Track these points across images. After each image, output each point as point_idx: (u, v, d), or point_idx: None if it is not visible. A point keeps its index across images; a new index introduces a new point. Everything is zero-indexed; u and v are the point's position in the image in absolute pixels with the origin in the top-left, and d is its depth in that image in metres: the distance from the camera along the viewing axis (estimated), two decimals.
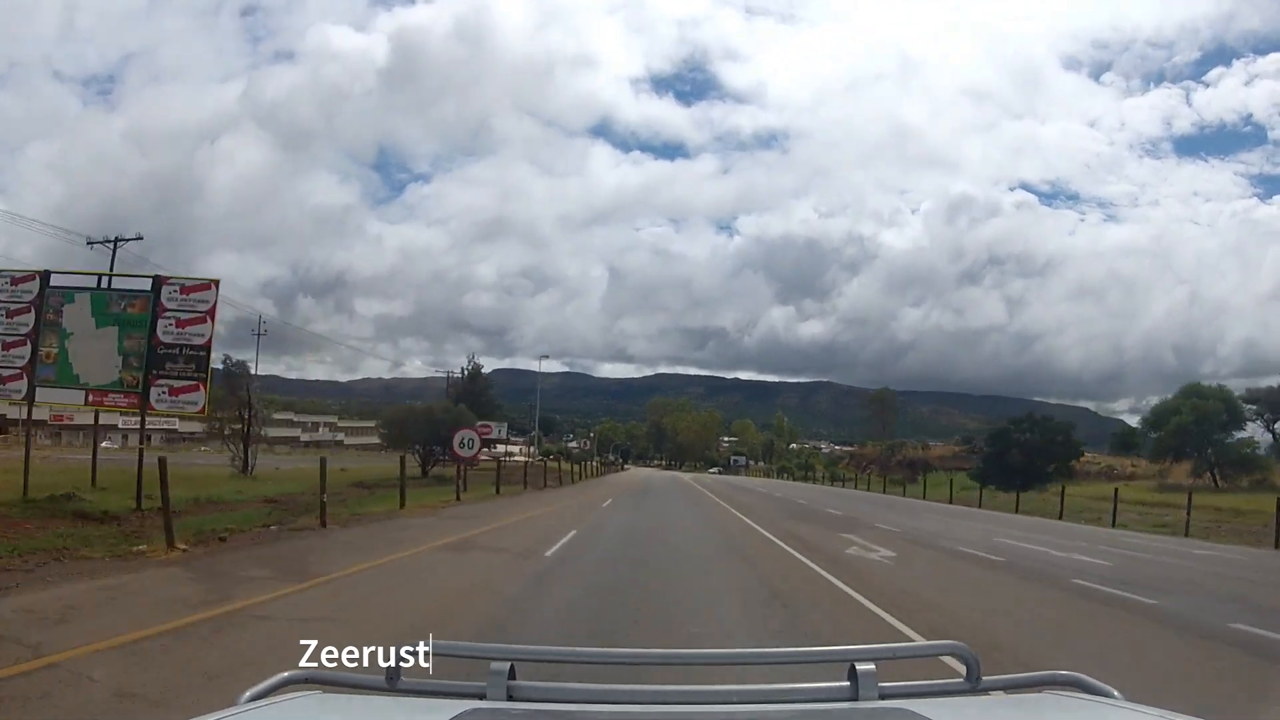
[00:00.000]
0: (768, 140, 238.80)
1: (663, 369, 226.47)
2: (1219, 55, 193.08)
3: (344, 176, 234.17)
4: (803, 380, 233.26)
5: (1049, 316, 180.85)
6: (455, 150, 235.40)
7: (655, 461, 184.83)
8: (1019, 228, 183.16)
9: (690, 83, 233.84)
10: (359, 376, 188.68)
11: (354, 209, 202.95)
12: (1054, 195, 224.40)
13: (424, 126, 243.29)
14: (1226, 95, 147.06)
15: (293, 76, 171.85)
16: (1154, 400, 65.90)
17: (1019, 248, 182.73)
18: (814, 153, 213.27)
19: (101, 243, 34.10)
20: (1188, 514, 23.44)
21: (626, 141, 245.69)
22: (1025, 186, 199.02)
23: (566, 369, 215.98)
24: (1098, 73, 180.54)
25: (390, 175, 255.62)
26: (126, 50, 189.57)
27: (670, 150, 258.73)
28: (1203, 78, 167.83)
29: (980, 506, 35.42)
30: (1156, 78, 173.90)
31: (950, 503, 38.49)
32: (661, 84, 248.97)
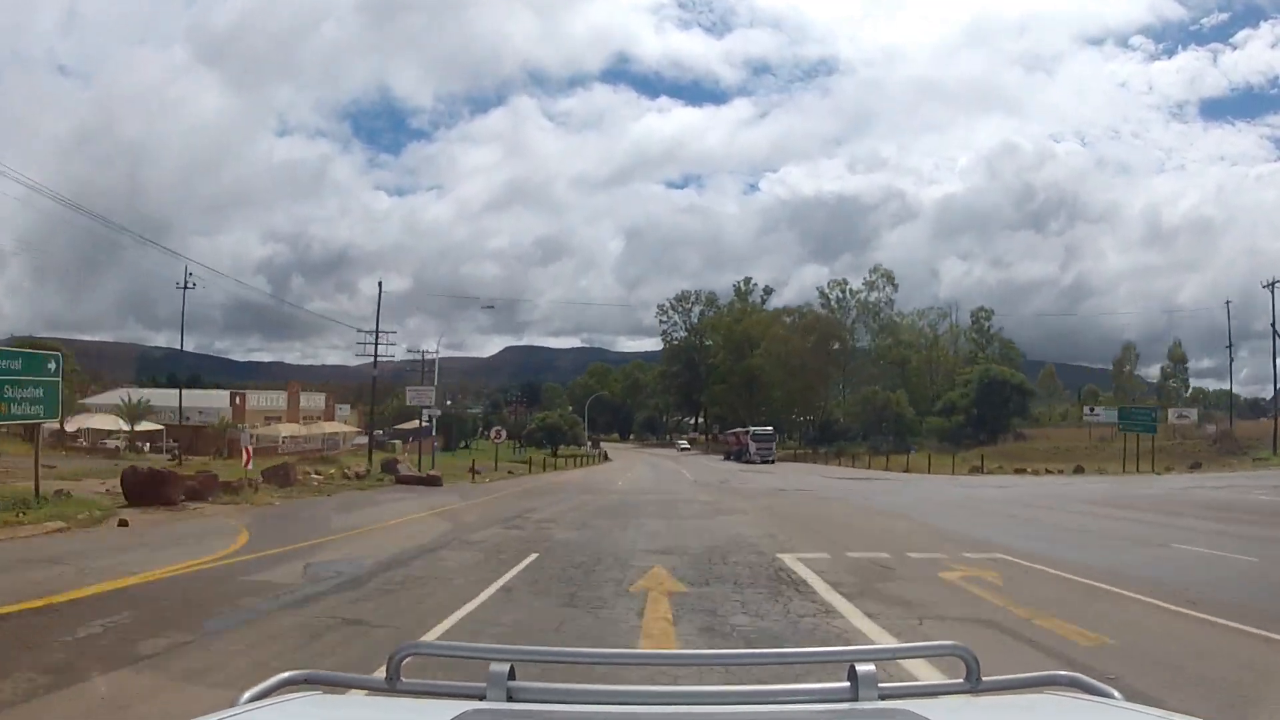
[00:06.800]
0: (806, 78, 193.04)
1: None
2: (1247, 16, 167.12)
3: (334, 140, 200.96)
4: None
5: (1089, 276, 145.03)
6: (459, 103, 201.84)
7: (687, 436, 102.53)
8: (1057, 182, 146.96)
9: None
10: (369, 360, 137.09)
11: (347, 174, 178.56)
12: (1094, 152, 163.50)
13: (422, 75, 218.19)
14: (1254, 57, 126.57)
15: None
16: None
17: (1060, 203, 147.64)
18: (857, 93, 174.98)
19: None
20: None
21: (653, 85, 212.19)
22: (1067, 138, 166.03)
23: (583, 344, 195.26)
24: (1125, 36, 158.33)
25: (386, 137, 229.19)
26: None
27: (700, 95, 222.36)
28: (1230, 39, 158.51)
29: None
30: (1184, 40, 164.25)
31: None
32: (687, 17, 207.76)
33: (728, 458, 65.85)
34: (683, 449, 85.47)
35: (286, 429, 69.17)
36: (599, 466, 59.13)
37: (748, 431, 61.99)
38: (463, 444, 79.54)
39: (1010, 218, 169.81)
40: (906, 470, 43.50)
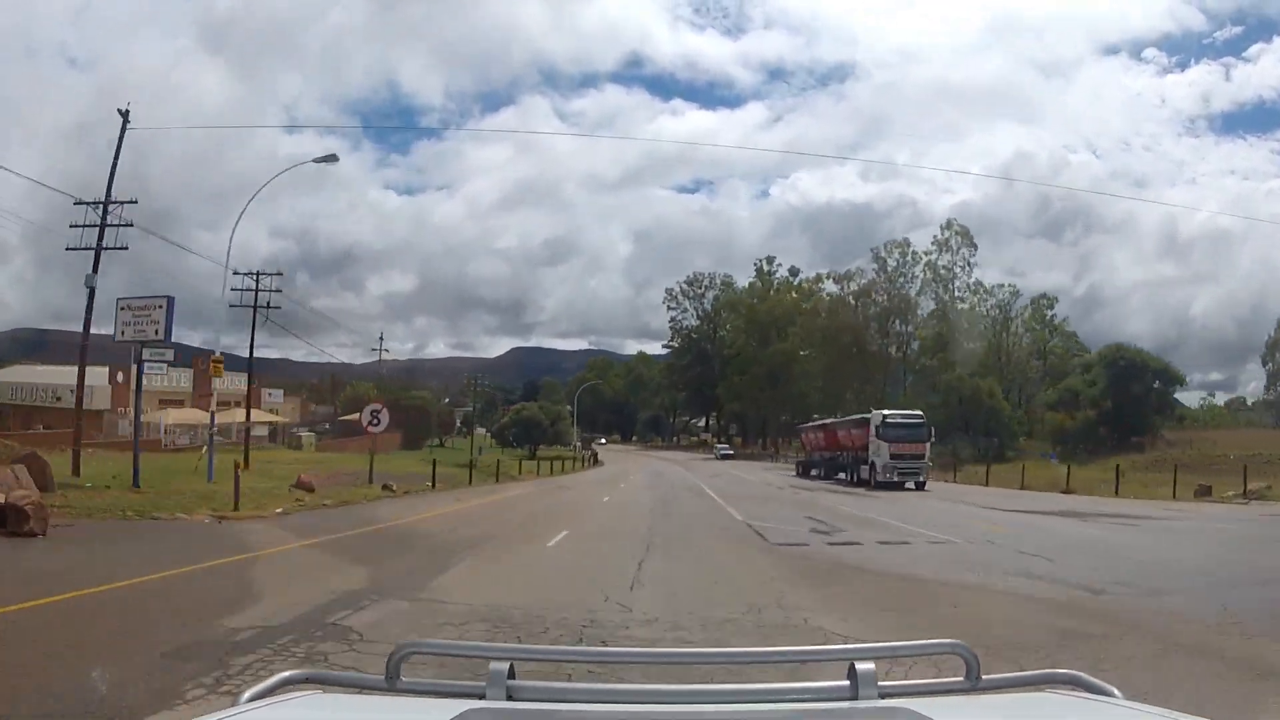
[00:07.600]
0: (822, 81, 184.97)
1: None
2: (1260, 30, 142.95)
3: (341, 136, 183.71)
4: None
5: (1101, 287, 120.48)
6: (470, 102, 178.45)
7: (709, 438, 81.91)
8: (1071, 191, 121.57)
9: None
10: (376, 360, 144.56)
11: (354, 171, 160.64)
12: (1107, 163, 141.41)
13: (432, 73, 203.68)
14: (1266, 71, 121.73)
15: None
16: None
17: (1075, 212, 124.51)
18: (872, 98, 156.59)
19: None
20: None
21: (666, 86, 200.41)
22: (1080, 149, 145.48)
23: (590, 346, 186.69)
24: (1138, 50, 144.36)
25: (394, 135, 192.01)
26: None
27: (713, 98, 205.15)
28: (1243, 53, 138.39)
29: None
30: (1197, 54, 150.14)
31: None
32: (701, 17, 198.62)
33: (807, 473, 40.83)
34: (724, 455, 65.55)
35: (175, 415, 53.15)
36: (578, 475, 42.75)
37: (866, 420, 33.82)
38: (436, 442, 64.74)
39: (1025, 227, 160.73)
40: (1068, 490, 26.85)
